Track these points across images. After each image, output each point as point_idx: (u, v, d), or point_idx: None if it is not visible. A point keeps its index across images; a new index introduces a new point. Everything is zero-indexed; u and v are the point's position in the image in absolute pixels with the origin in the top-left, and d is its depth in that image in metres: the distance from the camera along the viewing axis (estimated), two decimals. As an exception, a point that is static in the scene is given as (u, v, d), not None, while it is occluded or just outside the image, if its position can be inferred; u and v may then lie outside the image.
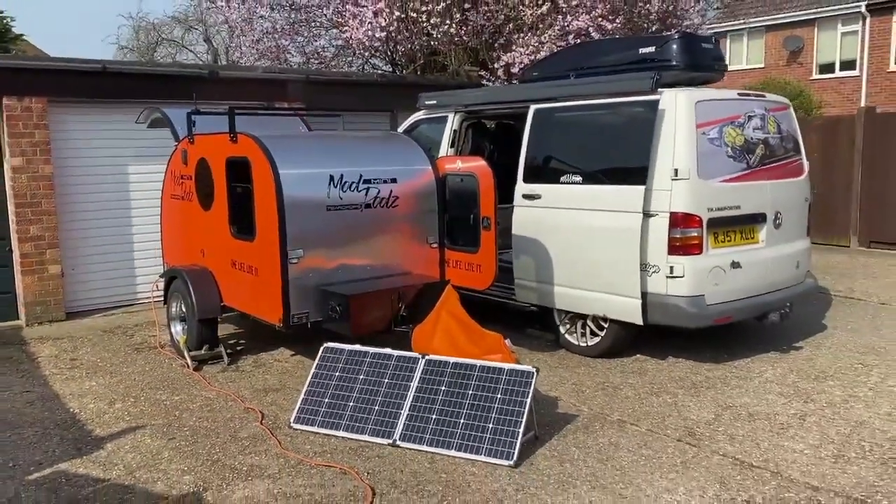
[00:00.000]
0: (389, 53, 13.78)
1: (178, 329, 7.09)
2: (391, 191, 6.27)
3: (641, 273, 6.09)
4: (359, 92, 10.34)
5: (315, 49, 13.91)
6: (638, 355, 6.70)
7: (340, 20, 10.90)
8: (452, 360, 5.03)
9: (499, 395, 4.75)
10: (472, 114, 8.24)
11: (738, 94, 6.69)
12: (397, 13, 10.32)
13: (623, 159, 6.28)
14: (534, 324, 7.48)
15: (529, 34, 10.61)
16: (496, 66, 10.64)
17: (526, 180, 7.04)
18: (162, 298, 7.36)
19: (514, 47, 10.68)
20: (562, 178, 6.72)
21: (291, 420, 5.16)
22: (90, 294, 8.94)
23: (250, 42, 12.92)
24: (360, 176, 6.12)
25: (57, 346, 7.48)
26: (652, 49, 6.91)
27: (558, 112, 6.90)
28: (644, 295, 6.12)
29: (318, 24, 13.44)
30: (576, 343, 6.83)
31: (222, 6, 12.16)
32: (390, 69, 14.03)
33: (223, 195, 6.48)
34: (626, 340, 6.58)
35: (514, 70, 10.51)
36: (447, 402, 4.84)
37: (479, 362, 4.96)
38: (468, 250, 6.41)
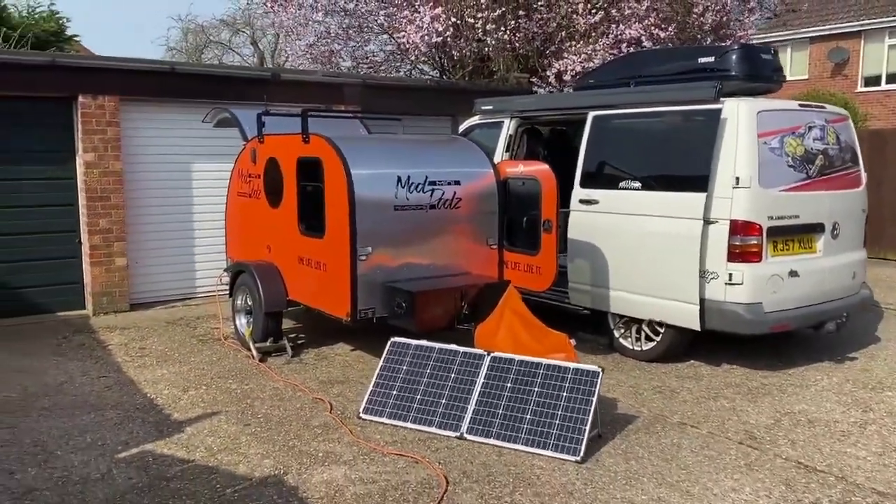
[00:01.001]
0: (438, 59, 14.02)
1: (242, 321, 7.34)
2: (454, 192, 6.45)
3: (700, 279, 6.20)
4: (413, 96, 10.56)
5: (365, 54, 14.19)
6: (692, 360, 6.79)
7: (396, 25, 11.11)
8: (518, 357, 5.18)
9: (564, 393, 4.89)
10: (527, 119, 8.40)
11: (799, 104, 6.76)
12: (453, 19, 10.51)
13: (684, 167, 6.39)
14: (586, 327, 7.60)
15: (582, 42, 10.74)
16: (548, 72, 10.79)
17: (583, 185, 7.17)
18: (227, 291, 7.62)
19: (565, 55, 10.82)
20: (620, 184, 6.84)
21: (360, 410, 5.36)
22: (152, 286, 9.25)
23: (304, 46, 13.20)
24: (426, 177, 6.32)
25: (125, 336, 7.77)
26: (711, 59, 7.02)
27: (618, 119, 7.03)
28: (702, 301, 6.22)
29: (369, 28, 13.70)
30: (630, 347, 6.94)
31: (278, 11, 12.45)
32: (437, 74, 14.25)
33: (292, 194, 6.71)
34: (681, 345, 6.68)
35: (566, 77, 10.65)
36: (513, 399, 5.00)
37: (544, 360, 5.11)
38: (527, 252, 6.57)
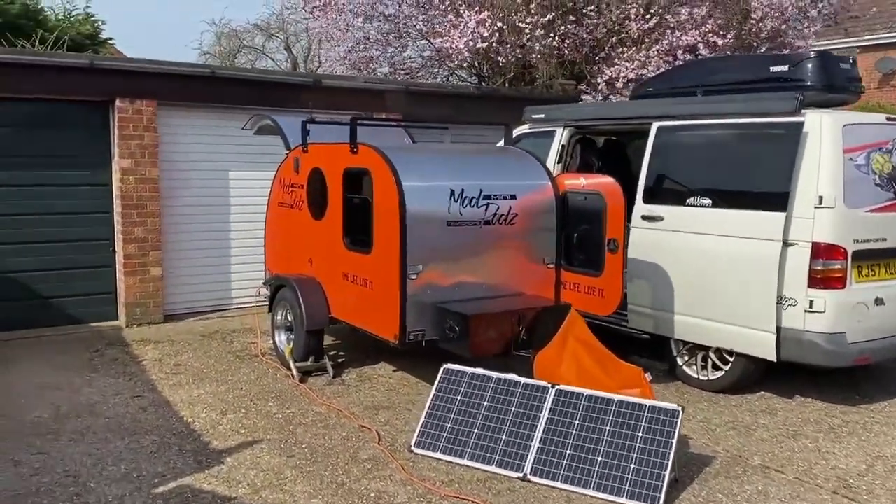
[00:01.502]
0: (478, 65, 13.64)
1: (282, 338, 6.99)
2: (510, 207, 6.04)
3: (777, 306, 5.73)
4: (456, 104, 10.18)
5: (402, 60, 13.85)
6: (762, 392, 6.31)
7: (440, 30, 10.74)
8: (586, 392, 4.75)
9: (640, 434, 4.45)
10: (581, 129, 7.97)
11: (887, 118, 6.26)
12: (500, 24, 10.11)
13: (760, 183, 5.93)
14: (642, 351, 7.13)
15: (634, 49, 10.29)
16: (598, 80, 10.35)
17: (646, 201, 6.73)
18: (267, 306, 7.28)
19: (616, 61, 10.37)
20: (688, 200, 6.39)
21: (412, 444, 4.96)
22: (187, 297, 8.95)
23: (343, 52, 12.90)
24: (481, 191, 5.92)
25: (159, 350, 7.46)
26: (785, 68, 6.57)
27: (686, 130, 6.58)
28: (779, 329, 5.75)
29: (407, 34, 13.37)
30: (695, 376, 6.47)
31: (318, 16, 12.15)
32: (476, 81, 13.87)
33: (338, 206, 6.35)
34: (752, 376, 6.21)
35: (618, 85, 10.21)
36: (582, 437, 4.57)
37: (616, 396, 4.67)
38: (589, 273, 6.13)
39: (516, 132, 8.52)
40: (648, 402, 4.57)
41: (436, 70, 14.79)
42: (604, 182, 6.02)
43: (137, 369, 6.81)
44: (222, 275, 9.16)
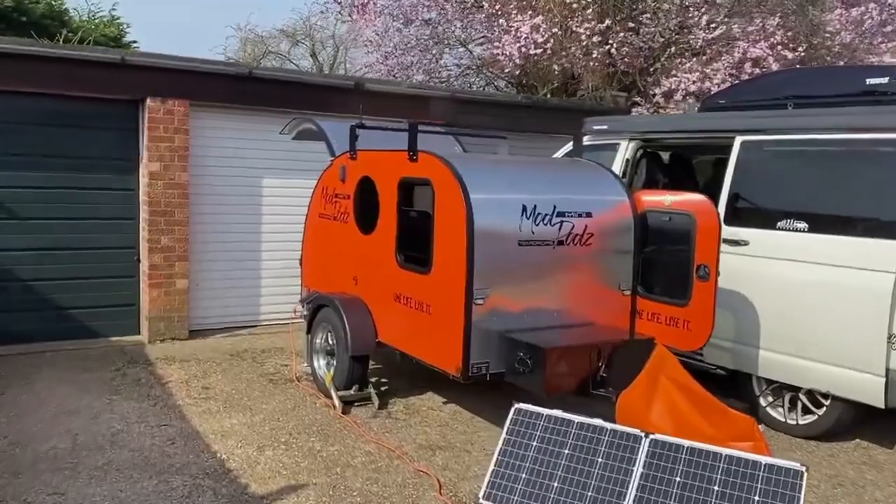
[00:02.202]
0: (519, 74, 13.10)
1: (321, 363, 6.38)
2: (585, 226, 5.41)
3: (887, 345, 5.06)
4: (503, 114, 9.58)
5: (437, 68, 13.32)
6: (858, 440, 5.64)
7: (489, 35, 10.15)
8: (687, 443, 4.09)
9: (756, 497, 3.79)
10: (648, 142, 7.35)
11: None
12: (555, 29, 9.52)
13: (868, 207, 5.28)
14: (715, 386, 6.46)
15: (695, 59, 9.66)
16: (655, 91, 9.72)
17: (728, 223, 6.07)
18: (302, 325, 6.67)
19: (674, 72, 9.75)
20: (779, 224, 5.74)
21: (481, 496, 4.30)
22: (214, 312, 8.37)
23: (380, 57, 12.37)
24: (554, 207, 5.29)
25: (185, 370, 6.85)
26: (884, 80, 5.93)
27: (777, 146, 5.94)
28: (888, 372, 5.07)
29: (445, 41, 12.85)
30: (781, 419, 5.81)
31: (356, 17, 11.62)
32: (514, 91, 13.31)
33: (391, 219, 5.74)
34: (850, 422, 5.53)
35: (678, 97, 9.58)
36: (685, 499, 3.91)
37: (724, 451, 4.01)
38: (672, 302, 5.48)
39: (572, 145, 7.94)
40: (765, 460, 3.90)
41: (472, 79, 14.26)
42: (695, 201, 5.38)
43: (163, 392, 6.20)
44: (252, 289, 8.58)
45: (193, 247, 8.04)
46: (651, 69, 10.19)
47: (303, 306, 7.05)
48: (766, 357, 5.78)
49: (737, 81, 8.88)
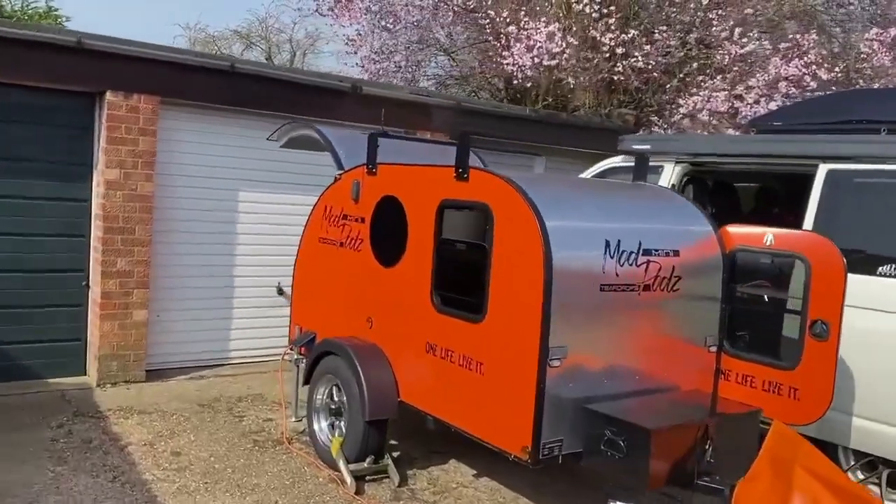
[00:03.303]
0: (507, 87, 12.15)
1: (323, 425, 5.18)
2: (673, 267, 4.38)
3: None
4: (509, 127, 8.56)
5: (418, 76, 12.26)
6: (973, 528, 4.72)
7: (493, 42, 9.10)
8: (865, 569, 3.08)
9: None
10: (699, 166, 6.40)
11: None
12: (570, 39, 8.55)
13: None
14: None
15: (719, 78, 8.84)
16: (675, 110, 8.83)
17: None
18: (302, 376, 5.45)
19: (696, 91, 8.90)
20: (881, 269, 4.81)
21: None
22: (177, 349, 7.05)
23: (359, 60, 11.24)
24: (640, 244, 4.24)
25: (148, 427, 5.54)
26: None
27: (874, 177, 5.04)
28: None
29: (433, 46, 11.82)
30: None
31: (339, 14, 10.46)
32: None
33: (425, 250, 4.60)
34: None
35: (703, 116, 8.72)
36: None
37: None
38: (774, 364, 4.48)
39: (603, 165, 6.96)
40: None
41: (453, 90, 13.25)
42: (808, 240, 4.41)
43: (122, 461, 4.88)
44: (222, 322, 7.31)
45: (156, 271, 6.72)
46: (667, 86, 9.33)
47: (293, 349, 5.84)
48: (859, 425, 4.83)
49: (787, 102, 8.09)
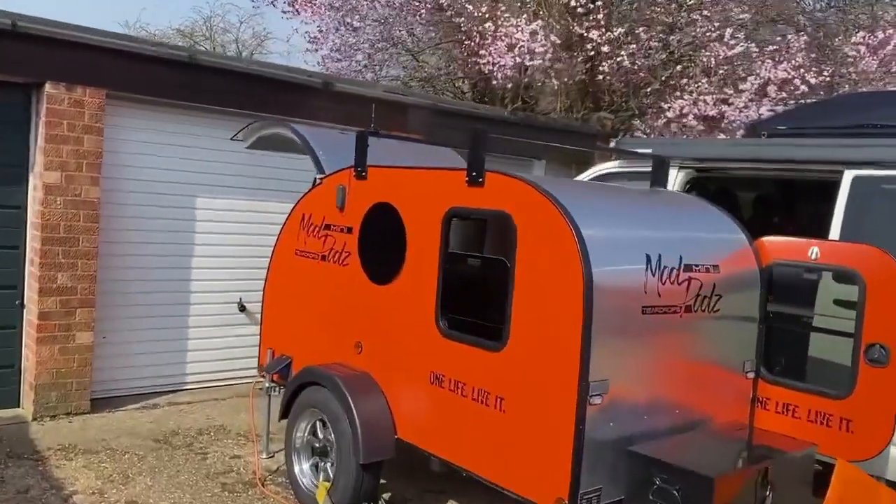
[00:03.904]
0: (471, 89, 11.64)
1: (304, 468, 4.52)
2: (714, 285, 3.87)
3: None
4: (492, 129, 8.02)
5: (380, 77, 11.65)
6: None
7: (472, 42, 8.51)
8: None
9: None
10: (705, 172, 5.94)
11: None
12: (553, 37, 8.04)
13: None
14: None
15: (705, 80, 8.46)
16: (667, 114, 8.42)
17: (841, 279, 4.71)
18: (279, 408, 4.76)
19: (682, 94, 8.51)
20: (921, 284, 4.41)
21: None
22: (126, 374, 6.30)
23: (320, 59, 10.57)
24: (681, 258, 3.72)
25: (95, 470, 4.78)
26: None
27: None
28: None
29: (399, 45, 11.24)
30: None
31: (301, 8, 9.75)
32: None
33: (429, 266, 3.99)
34: None
35: (689, 121, 8.32)
36: None
37: None
38: (821, 391, 4.01)
39: (595, 171, 6.46)
40: None
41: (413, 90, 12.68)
42: (863, 253, 3.95)
43: (67, 516, 4.13)
44: (177, 342, 6.56)
45: (102, 287, 5.94)
46: (648, 89, 8.92)
47: (265, 376, 5.14)
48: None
49: (779, 106, 7.74)
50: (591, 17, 7.94)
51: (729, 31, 8.01)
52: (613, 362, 3.39)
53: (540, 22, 7.89)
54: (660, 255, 3.61)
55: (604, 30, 7.96)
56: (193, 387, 6.66)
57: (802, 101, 8.07)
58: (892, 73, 8.58)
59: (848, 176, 4.86)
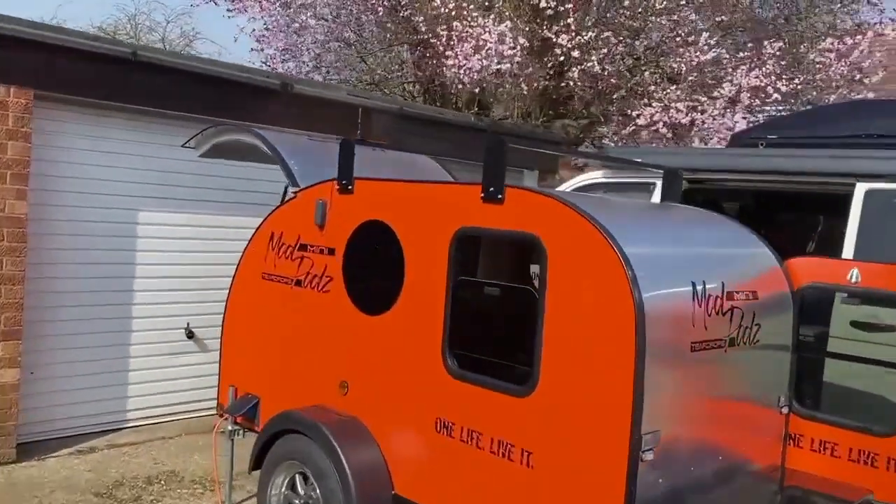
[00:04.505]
0: (423, 94, 11.16)
1: (284, 527, 3.89)
2: (754, 313, 3.47)
3: None
4: (453, 136, 7.54)
5: (328, 80, 11.06)
6: None
7: (442, 42, 7.96)
8: None
9: None
10: (698, 184, 5.59)
11: None
12: (522, 40, 7.59)
13: None
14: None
15: (674, 87, 8.16)
16: (639, 121, 8.06)
17: (886, 303, 4.39)
18: (249, 459, 4.13)
19: (650, 101, 8.20)
20: (947, 304, 4.13)
21: None
22: (57, 414, 5.56)
23: (265, 59, 9.90)
24: (723, 286, 3.30)
25: (27, 538, 4.05)
26: None
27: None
28: None
29: (345, 50, 10.66)
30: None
31: (251, 6, 9.04)
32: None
33: (434, 293, 3.45)
34: None
35: (661, 129, 8.00)
36: None
37: None
38: (863, 428, 3.65)
39: (576, 182, 6.07)
40: None
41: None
42: (914, 276, 3.62)
43: None
44: (117, 374, 5.84)
45: (30, 316, 5.18)
46: (614, 96, 8.58)
47: (228, 418, 4.50)
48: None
49: (753, 114, 7.50)
50: (560, 22, 7.54)
51: (705, 35, 7.76)
52: (664, 409, 2.93)
53: (508, 24, 7.45)
54: (704, 282, 3.17)
55: (573, 34, 7.57)
56: (136, 424, 5.94)
57: (774, 109, 7.90)
58: (856, 80, 8.52)
59: (860, 189, 4.59)
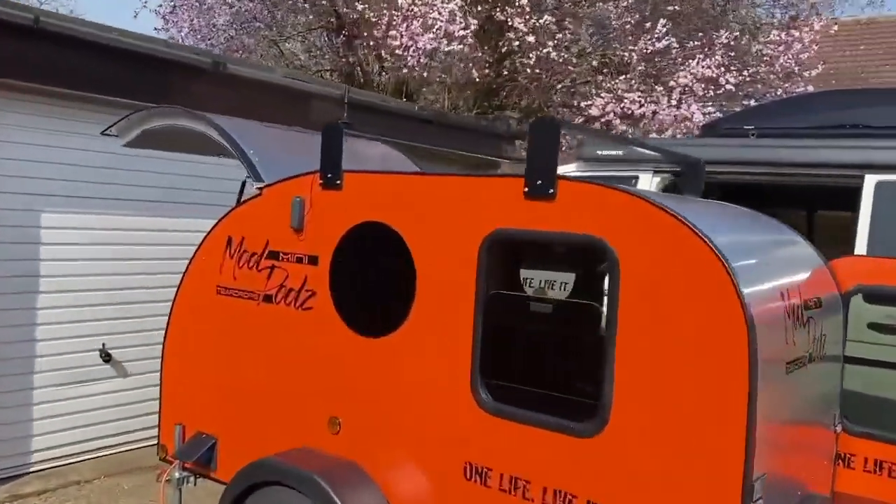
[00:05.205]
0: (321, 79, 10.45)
1: None
2: (822, 325, 3.04)
3: None
4: (396, 125, 6.89)
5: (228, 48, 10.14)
6: None
7: (373, 18, 7.25)
8: None
9: None
10: (680, 175, 5.20)
11: None
12: (472, 20, 6.99)
13: None
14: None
15: (622, 78, 7.80)
16: (591, 111, 7.62)
17: (872, 300, 4.11)
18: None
19: (598, 92, 7.80)
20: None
21: None
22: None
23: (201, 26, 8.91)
24: (800, 293, 2.84)
25: None
26: None
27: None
28: None
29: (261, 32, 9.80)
30: None
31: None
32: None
33: (459, 311, 2.81)
34: None
35: (614, 121, 7.61)
36: None
37: None
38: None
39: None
40: None
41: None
42: None
43: None
44: (16, 410, 4.86)
45: None
46: (559, 85, 8.15)
47: (173, 463, 3.69)
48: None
49: (708, 105, 7.23)
50: (515, 3, 7.01)
51: (662, 21, 7.43)
52: (769, 448, 2.43)
53: (458, 2, 6.86)
54: (788, 291, 2.71)
55: (528, 17, 7.05)
56: (43, 468, 4.95)
57: (725, 101, 7.71)
58: (795, 73, 8.47)
59: (870, 181, 4.28)
